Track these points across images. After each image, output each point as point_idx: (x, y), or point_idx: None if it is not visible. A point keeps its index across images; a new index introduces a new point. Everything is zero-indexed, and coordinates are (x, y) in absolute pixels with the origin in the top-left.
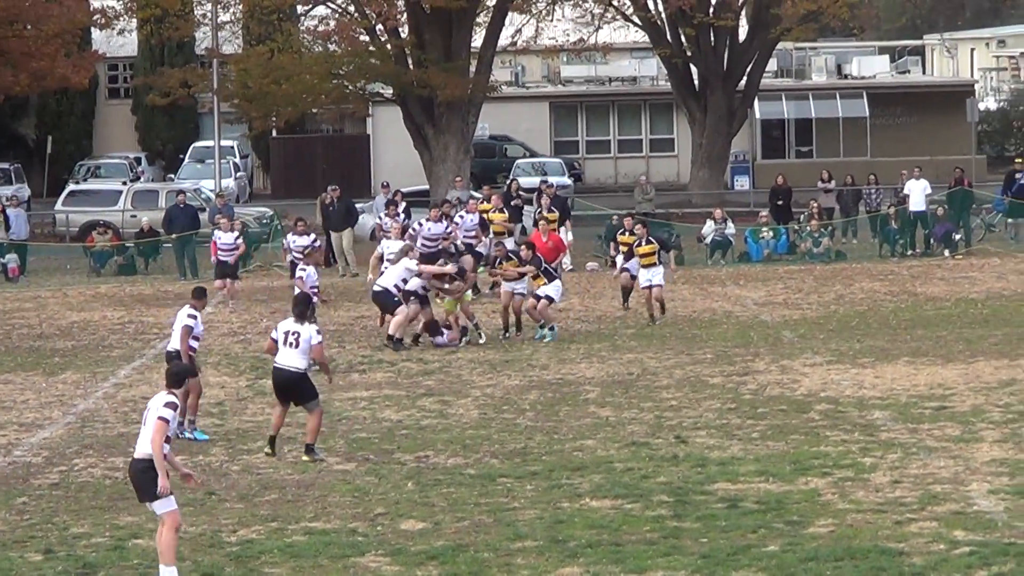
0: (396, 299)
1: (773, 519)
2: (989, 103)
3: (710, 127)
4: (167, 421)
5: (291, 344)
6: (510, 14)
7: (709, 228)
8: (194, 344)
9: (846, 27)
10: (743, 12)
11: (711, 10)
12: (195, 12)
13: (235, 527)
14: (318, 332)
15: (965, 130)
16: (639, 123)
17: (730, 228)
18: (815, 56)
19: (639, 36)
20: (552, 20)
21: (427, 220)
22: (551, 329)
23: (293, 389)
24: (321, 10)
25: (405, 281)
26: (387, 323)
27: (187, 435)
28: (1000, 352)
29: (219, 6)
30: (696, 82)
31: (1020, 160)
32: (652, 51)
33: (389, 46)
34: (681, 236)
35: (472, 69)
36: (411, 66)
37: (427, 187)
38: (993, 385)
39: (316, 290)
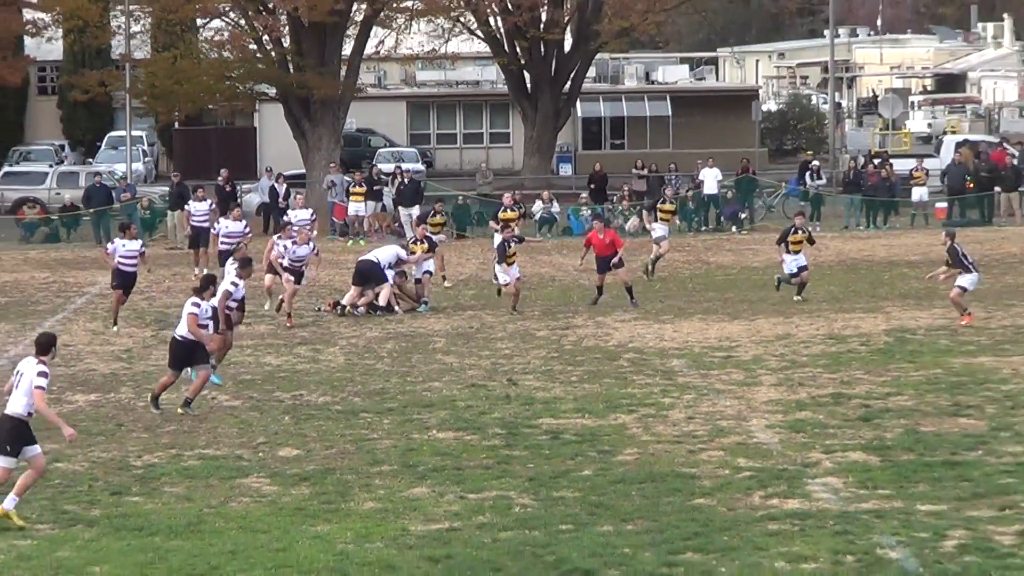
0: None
1: (588, 448)
2: (770, 105)
3: (540, 123)
4: (44, 388)
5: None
6: (375, 28)
7: (538, 207)
8: (232, 305)
9: (653, 41)
10: (568, 28)
11: (541, 26)
12: (111, 23)
13: (140, 453)
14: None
15: (750, 127)
16: (481, 119)
17: (555, 207)
18: (627, 65)
19: (482, 47)
20: (409, 33)
21: (293, 209)
22: (425, 303)
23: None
24: (217, 23)
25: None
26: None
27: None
28: (777, 311)
29: (131, 19)
30: (529, 86)
31: (811, 152)
32: (493, 60)
33: (273, 54)
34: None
35: (342, 73)
36: (291, 70)
37: (304, 171)
38: (771, 338)
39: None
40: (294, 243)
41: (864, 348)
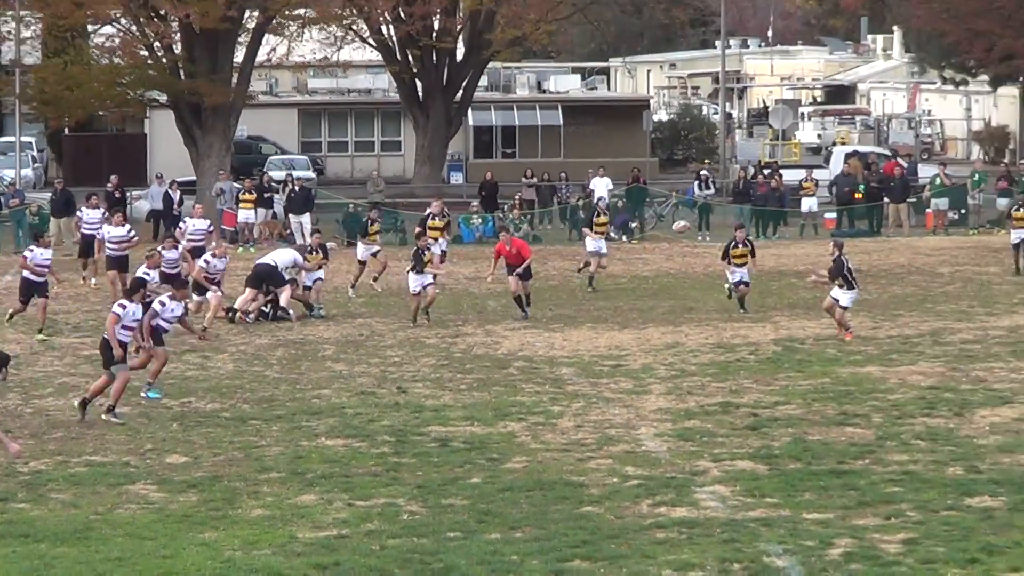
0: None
1: (477, 456)
2: (661, 115)
3: (431, 131)
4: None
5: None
6: (267, 35)
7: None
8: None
9: (545, 51)
10: (460, 37)
11: (434, 35)
12: (1, 29)
13: (27, 460)
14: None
15: (641, 137)
16: (372, 127)
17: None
18: (519, 74)
19: (374, 55)
20: (301, 41)
21: (191, 218)
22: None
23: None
24: (108, 29)
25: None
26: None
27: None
28: (666, 320)
29: (22, 24)
30: (421, 94)
31: (707, 162)
32: (384, 68)
33: (165, 60)
34: (406, 220)
35: (234, 80)
36: (183, 77)
37: (195, 178)
38: (660, 347)
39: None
40: (214, 256)
41: (753, 357)
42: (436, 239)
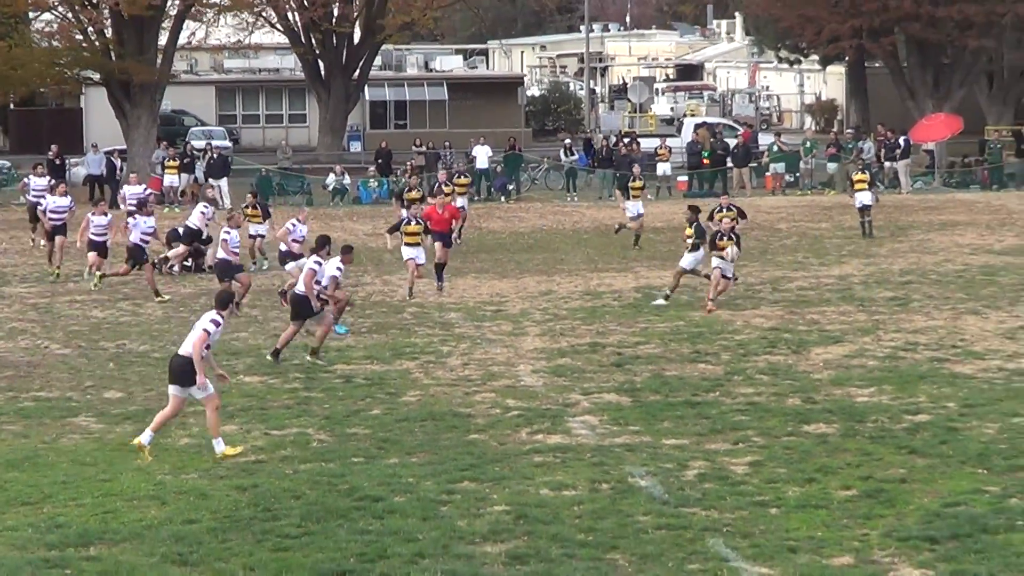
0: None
1: (377, 391)
2: (534, 91)
3: (333, 106)
4: (208, 333)
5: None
6: (187, 21)
7: (331, 179)
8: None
9: (432, 34)
10: (357, 22)
11: (334, 20)
12: None
13: None
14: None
15: (517, 110)
16: (281, 102)
17: (346, 179)
18: (409, 55)
19: (282, 39)
20: (218, 26)
21: (128, 185)
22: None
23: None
24: (48, 16)
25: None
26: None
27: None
28: (541, 271)
29: None
30: (323, 73)
31: (596, 129)
32: (291, 50)
33: (97, 43)
34: (311, 184)
35: (159, 61)
36: (113, 58)
37: (125, 147)
38: (535, 294)
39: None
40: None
41: (616, 303)
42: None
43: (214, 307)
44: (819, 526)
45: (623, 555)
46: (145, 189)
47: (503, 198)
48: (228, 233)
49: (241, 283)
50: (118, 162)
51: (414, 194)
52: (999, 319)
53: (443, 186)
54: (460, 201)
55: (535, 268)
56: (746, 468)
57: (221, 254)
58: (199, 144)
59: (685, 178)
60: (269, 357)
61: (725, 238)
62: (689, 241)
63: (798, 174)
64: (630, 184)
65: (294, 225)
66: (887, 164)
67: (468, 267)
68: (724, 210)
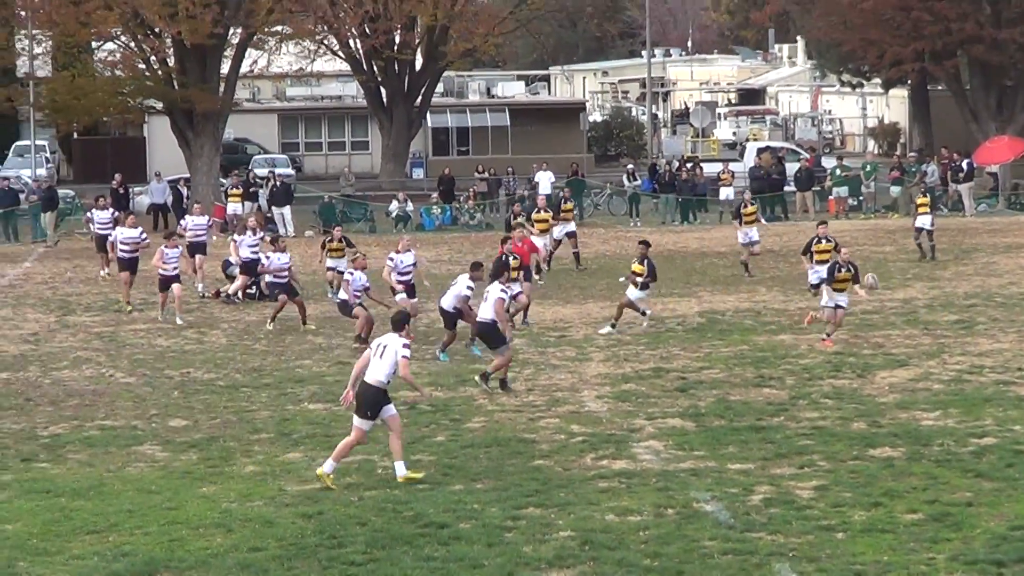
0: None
1: (441, 417)
2: (596, 116)
3: (395, 133)
4: (408, 357)
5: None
6: (249, 49)
7: (394, 206)
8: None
9: (493, 60)
10: (419, 49)
11: (395, 48)
12: (16, 46)
13: (46, 424)
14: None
15: (579, 136)
16: (343, 129)
17: (409, 206)
18: (471, 81)
19: (344, 66)
20: (280, 54)
21: (191, 215)
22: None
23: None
24: (110, 45)
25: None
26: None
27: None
28: (604, 296)
29: (34, 41)
30: (385, 100)
31: (659, 154)
32: (353, 77)
33: (160, 72)
34: (374, 211)
35: (221, 89)
36: (176, 87)
37: (189, 175)
38: (599, 320)
39: (359, 292)
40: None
41: (680, 328)
42: (545, 231)
43: (393, 331)
44: (885, 550)
45: None
46: (209, 219)
47: None
48: (352, 274)
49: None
50: (184, 190)
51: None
52: None
53: (516, 218)
54: (540, 240)
55: (598, 294)
56: (812, 492)
57: (343, 295)
58: (262, 172)
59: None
60: (482, 382)
61: (843, 270)
62: (639, 279)
63: (861, 198)
64: (742, 210)
65: (392, 259)
66: (951, 187)
67: (532, 294)
68: (823, 241)
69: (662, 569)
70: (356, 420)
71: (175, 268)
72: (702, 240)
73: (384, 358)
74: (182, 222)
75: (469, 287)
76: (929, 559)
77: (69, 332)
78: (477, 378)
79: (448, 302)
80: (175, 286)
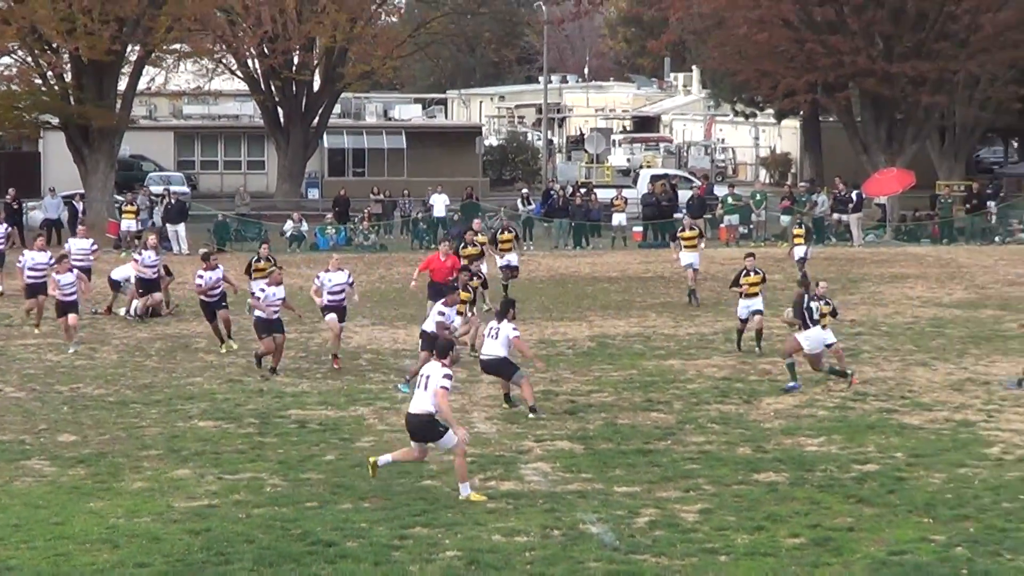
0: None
1: (331, 436)
2: (492, 141)
3: (291, 153)
4: (447, 388)
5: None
6: (147, 66)
7: (289, 226)
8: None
9: (391, 83)
10: (316, 70)
11: (293, 68)
12: None
13: None
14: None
15: (474, 160)
16: (240, 148)
17: (304, 226)
18: (368, 103)
19: (241, 85)
20: (177, 72)
21: (74, 239)
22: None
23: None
24: (7, 59)
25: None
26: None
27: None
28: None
29: None
30: (282, 120)
31: (554, 179)
32: (251, 97)
33: (57, 88)
34: (269, 230)
35: (118, 106)
36: (72, 103)
37: (83, 191)
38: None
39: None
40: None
41: (571, 351)
42: (508, 250)
43: (436, 359)
44: (767, 573)
45: None
46: (92, 243)
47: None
48: (263, 291)
49: (275, 341)
50: (79, 205)
51: (470, 250)
52: (947, 371)
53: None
54: (508, 258)
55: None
56: (696, 516)
57: (258, 313)
58: (157, 189)
59: (640, 228)
60: (529, 413)
61: (823, 303)
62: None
63: (751, 226)
64: (679, 234)
65: (319, 278)
66: (838, 216)
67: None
68: (751, 273)
69: None
70: (412, 443)
71: (72, 294)
72: (594, 265)
73: (428, 389)
74: (66, 244)
75: (440, 312)
76: None
77: None
78: (530, 415)
79: (430, 326)
80: (71, 316)
